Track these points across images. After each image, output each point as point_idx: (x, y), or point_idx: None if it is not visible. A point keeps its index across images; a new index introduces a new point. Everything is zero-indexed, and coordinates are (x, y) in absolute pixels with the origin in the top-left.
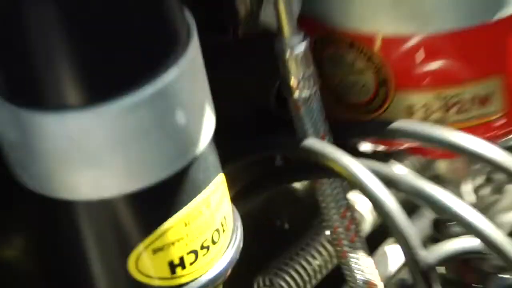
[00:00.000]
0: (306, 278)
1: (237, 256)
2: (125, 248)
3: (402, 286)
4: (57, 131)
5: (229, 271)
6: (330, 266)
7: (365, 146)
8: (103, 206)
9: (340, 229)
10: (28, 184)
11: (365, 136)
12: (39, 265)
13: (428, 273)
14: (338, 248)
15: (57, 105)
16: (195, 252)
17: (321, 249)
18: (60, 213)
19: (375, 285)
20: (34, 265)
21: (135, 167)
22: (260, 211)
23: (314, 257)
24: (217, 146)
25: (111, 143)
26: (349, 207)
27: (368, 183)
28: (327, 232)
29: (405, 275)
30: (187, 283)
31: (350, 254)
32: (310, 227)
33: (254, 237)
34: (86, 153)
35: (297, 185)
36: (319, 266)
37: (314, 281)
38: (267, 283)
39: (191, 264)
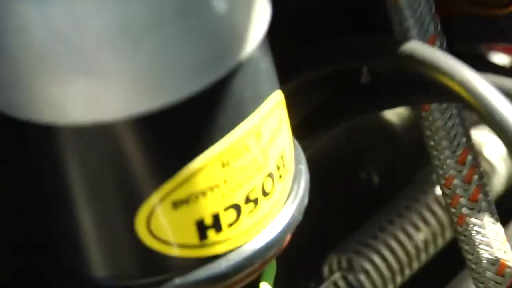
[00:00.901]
0: (404, 259)
1: (300, 216)
2: (132, 199)
3: None
4: (37, 20)
5: (288, 239)
6: (441, 242)
7: (497, 57)
8: (102, 135)
9: (457, 181)
10: None
11: (494, 41)
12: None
13: None
14: (453, 210)
15: None
16: (236, 207)
17: (427, 215)
18: (39, 145)
19: (508, 266)
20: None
21: (149, 76)
22: (336, 153)
23: (417, 228)
24: (274, 50)
25: (113, 38)
26: (471, 148)
27: (500, 110)
28: (437, 190)
29: None
30: (223, 255)
31: (471, 220)
32: (411, 181)
33: (325, 194)
34: (78, 54)
35: (393, 116)
36: (424, 241)
37: (415, 264)
38: (344, 265)
39: (230, 225)
